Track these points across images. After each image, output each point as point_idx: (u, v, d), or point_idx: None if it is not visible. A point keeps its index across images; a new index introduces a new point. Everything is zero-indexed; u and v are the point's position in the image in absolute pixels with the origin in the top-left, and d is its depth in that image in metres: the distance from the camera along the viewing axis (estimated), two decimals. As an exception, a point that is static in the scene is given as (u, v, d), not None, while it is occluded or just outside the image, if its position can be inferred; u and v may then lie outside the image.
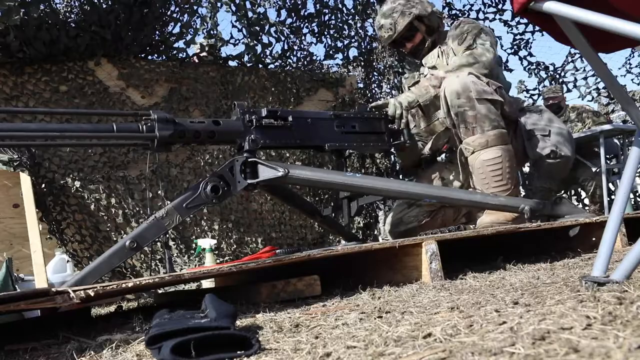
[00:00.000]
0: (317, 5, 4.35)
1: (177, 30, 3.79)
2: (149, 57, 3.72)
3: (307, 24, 4.33)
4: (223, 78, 3.90)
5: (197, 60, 3.94)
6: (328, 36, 4.45)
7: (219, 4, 3.92)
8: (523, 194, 3.08)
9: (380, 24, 2.80)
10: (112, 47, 3.43)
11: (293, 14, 4.25)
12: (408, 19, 2.71)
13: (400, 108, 2.48)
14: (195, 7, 3.78)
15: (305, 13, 4.31)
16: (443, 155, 2.78)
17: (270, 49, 4.08)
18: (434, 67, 2.76)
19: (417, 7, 2.73)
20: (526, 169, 3.35)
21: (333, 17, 4.45)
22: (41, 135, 1.76)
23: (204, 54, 3.96)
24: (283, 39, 4.19)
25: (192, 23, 3.81)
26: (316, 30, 4.39)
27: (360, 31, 4.66)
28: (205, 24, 3.90)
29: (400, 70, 4.63)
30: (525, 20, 5.43)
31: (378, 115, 2.50)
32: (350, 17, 4.59)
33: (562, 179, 2.93)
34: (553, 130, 2.63)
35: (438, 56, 2.77)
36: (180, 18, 3.76)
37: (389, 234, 2.96)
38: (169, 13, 3.71)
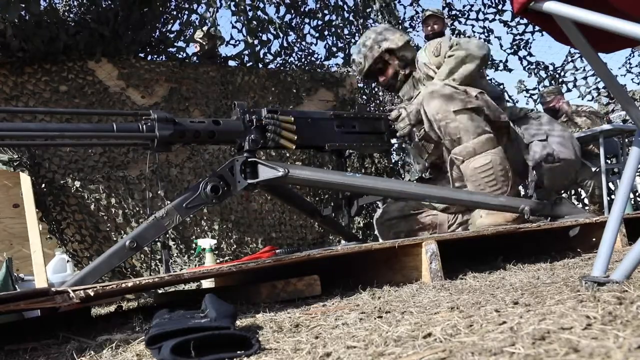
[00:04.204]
0: (318, 4, 4.35)
1: (176, 27, 3.80)
2: (149, 57, 3.72)
3: (306, 22, 4.32)
4: (223, 78, 3.90)
5: (197, 48, 3.94)
6: (329, 35, 4.44)
7: (218, 2, 3.91)
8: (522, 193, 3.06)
9: (352, 59, 2.81)
10: (112, 45, 3.43)
11: (292, 11, 4.24)
12: (377, 52, 2.69)
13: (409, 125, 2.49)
14: (195, 7, 3.78)
15: (306, 9, 4.30)
16: (427, 172, 2.77)
17: (269, 45, 4.08)
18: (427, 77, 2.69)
19: (388, 40, 2.70)
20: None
21: (334, 16, 4.45)
22: (41, 135, 1.76)
23: (202, 40, 3.96)
24: (282, 35, 4.19)
25: (192, 23, 3.81)
26: (317, 30, 4.39)
27: (362, 29, 4.66)
28: (205, 23, 3.90)
29: None
30: (525, 20, 5.43)
31: (378, 115, 2.50)
32: (351, 14, 4.58)
33: (567, 185, 2.86)
34: (552, 134, 2.57)
35: (414, 86, 2.71)
36: (180, 16, 3.76)
37: (377, 224, 2.88)
38: (168, 11, 3.71)
